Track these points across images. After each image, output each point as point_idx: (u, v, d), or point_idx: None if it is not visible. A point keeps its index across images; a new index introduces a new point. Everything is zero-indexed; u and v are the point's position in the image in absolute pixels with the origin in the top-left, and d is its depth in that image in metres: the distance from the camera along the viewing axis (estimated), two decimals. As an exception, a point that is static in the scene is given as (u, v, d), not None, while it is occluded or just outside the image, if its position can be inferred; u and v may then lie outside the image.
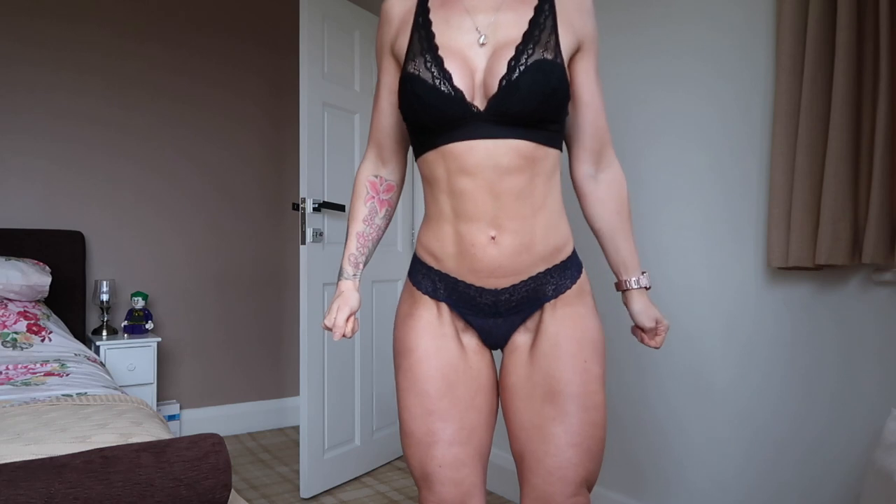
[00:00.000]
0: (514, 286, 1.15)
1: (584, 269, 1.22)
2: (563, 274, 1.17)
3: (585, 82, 1.17)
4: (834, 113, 1.58)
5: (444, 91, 1.07)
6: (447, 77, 1.07)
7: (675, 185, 2.07)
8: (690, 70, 2.02)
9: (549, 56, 1.06)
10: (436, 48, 1.10)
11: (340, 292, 1.26)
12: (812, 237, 1.64)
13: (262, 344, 3.64)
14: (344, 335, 1.22)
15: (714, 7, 1.95)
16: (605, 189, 1.23)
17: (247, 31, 3.56)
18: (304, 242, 2.55)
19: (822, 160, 1.63)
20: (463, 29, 1.11)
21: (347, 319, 1.23)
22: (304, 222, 2.54)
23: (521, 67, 1.05)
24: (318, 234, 2.59)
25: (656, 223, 2.12)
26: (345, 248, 1.29)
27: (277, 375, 3.70)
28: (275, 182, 3.68)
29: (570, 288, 1.18)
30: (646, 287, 1.27)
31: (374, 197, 1.28)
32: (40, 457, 1.18)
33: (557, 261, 1.17)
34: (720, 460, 1.95)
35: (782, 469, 1.81)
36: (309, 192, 2.57)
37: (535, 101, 1.05)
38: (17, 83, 2.97)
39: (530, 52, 1.06)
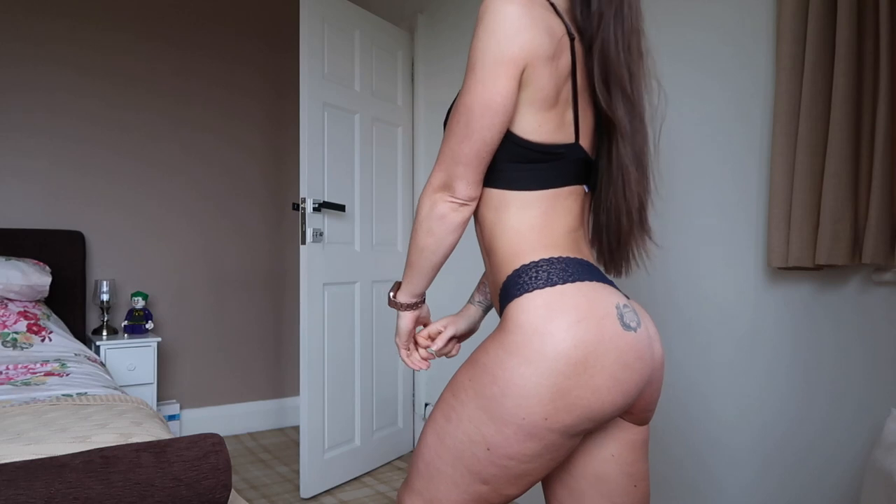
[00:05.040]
0: None
1: (510, 305, 1.04)
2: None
3: None
4: (834, 113, 1.58)
5: None
6: None
7: (674, 186, 2.07)
8: (689, 70, 2.02)
9: None
10: None
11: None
12: (812, 237, 1.64)
13: (262, 344, 3.64)
14: (444, 354, 1.28)
15: (713, 7, 1.95)
16: None
17: (248, 30, 3.56)
18: (304, 242, 2.55)
19: (822, 160, 1.63)
20: None
21: (448, 341, 1.28)
22: (304, 222, 2.54)
23: None
24: (318, 234, 2.59)
25: (656, 224, 2.12)
26: None
27: (277, 375, 3.70)
28: (275, 182, 3.68)
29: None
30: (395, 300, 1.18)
31: None
32: (40, 457, 1.18)
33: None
34: (719, 460, 1.95)
35: (782, 468, 1.81)
36: (309, 192, 2.57)
37: None
38: (18, 83, 2.97)
39: None
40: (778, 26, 1.70)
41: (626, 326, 0.99)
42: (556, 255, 1.03)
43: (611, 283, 1.05)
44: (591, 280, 1.02)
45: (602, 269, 1.15)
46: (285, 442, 3.41)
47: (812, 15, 1.62)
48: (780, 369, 1.81)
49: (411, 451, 3.21)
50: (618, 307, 1.00)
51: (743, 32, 1.89)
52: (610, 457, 1.09)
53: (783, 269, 1.79)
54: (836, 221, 1.57)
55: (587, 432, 1.03)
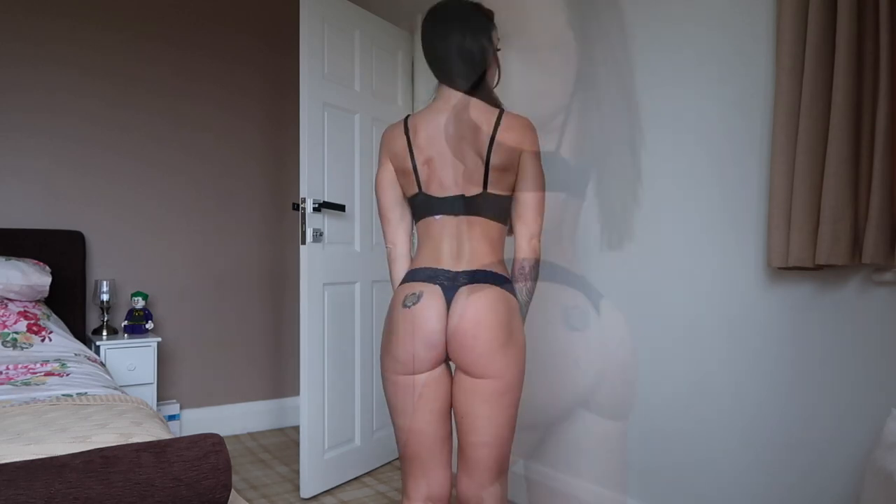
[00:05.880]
0: None
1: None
2: None
3: None
4: (834, 113, 1.57)
5: None
6: None
7: (675, 186, 2.07)
8: (690, 70, 2.02)
9: None
10: None
11: None
12: (812, 237, 1.64)
13: (263, 344, 3.64)
14: None
15: (714, 7, 1.95)
16: None
17: (248, 30, 3.56)
18: (304, 242, 2.55)
19: (822, 160, 1.62)
20: None
21: None
22: (304, 222, 2.54)
23: None
24: (318, 234, 2.59)
25: (657, 223, 2.12)
26: None
27: (277, 375, 3.70)
28: (275, 182, 3.68)
29: None
30: None
31: None
32: (40, 457, 1.18)
33: None
34: (719, 461, 1.95)
35: (781, 468, 1.81)
36: (309, 192, 2.57)
37: None
38: (18, 83, 2.97)
39: None
40: (778, 26, 1.70)
41: (404, 305, 1.52)
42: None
43: (434, 282, 1.52)
44: (412, 280, 1.55)
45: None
46: (285, 442, 3.41)
47: (812, 15, 1.62)
48: (780, 369, 1.81)
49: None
50: (406, 296, 1.53)
51: (743, 32, 1.89)
52: (453, 395, 1.55)
53: (783, 269, 1.79)
54: (836, 221, 1.57)
55: (407, 374, 1.53)
